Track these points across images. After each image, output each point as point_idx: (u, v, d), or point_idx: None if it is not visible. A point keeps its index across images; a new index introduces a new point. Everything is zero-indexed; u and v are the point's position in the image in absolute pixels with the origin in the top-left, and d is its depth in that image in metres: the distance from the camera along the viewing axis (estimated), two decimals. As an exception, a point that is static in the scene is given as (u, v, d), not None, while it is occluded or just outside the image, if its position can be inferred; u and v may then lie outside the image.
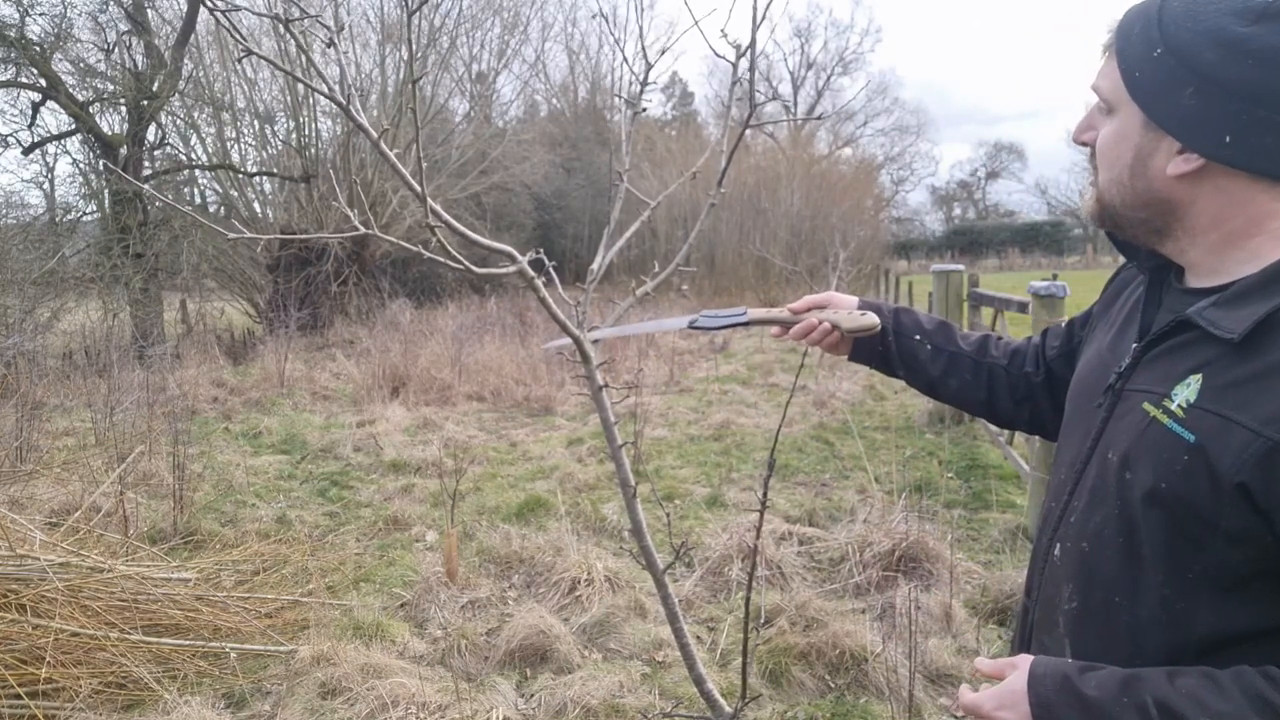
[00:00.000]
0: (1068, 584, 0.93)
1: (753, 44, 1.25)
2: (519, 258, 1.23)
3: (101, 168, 12.73)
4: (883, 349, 1.27)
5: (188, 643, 3.12)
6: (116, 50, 13.24)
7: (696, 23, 1.31)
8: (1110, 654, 0.87)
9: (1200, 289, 0.89)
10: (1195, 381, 0.82)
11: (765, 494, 1.55)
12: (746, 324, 1.31)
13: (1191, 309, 0.85)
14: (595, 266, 1.36)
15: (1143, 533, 0.84)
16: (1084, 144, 0.94)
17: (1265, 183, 0.81)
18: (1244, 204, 0.83)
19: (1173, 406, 0.82)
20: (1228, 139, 0.79)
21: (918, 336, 1.25)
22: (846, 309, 1.27)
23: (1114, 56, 0.87)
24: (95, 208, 13.33)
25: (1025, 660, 0.88)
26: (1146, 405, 0.86)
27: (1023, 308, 5.03)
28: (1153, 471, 0.83)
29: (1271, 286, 0.80)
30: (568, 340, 1.31)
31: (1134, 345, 0.93)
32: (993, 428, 6.01)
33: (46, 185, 13.88)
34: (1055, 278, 5.37)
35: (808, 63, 42.73)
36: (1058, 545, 0.96)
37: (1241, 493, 0.75)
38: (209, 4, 1.01)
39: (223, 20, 1.01)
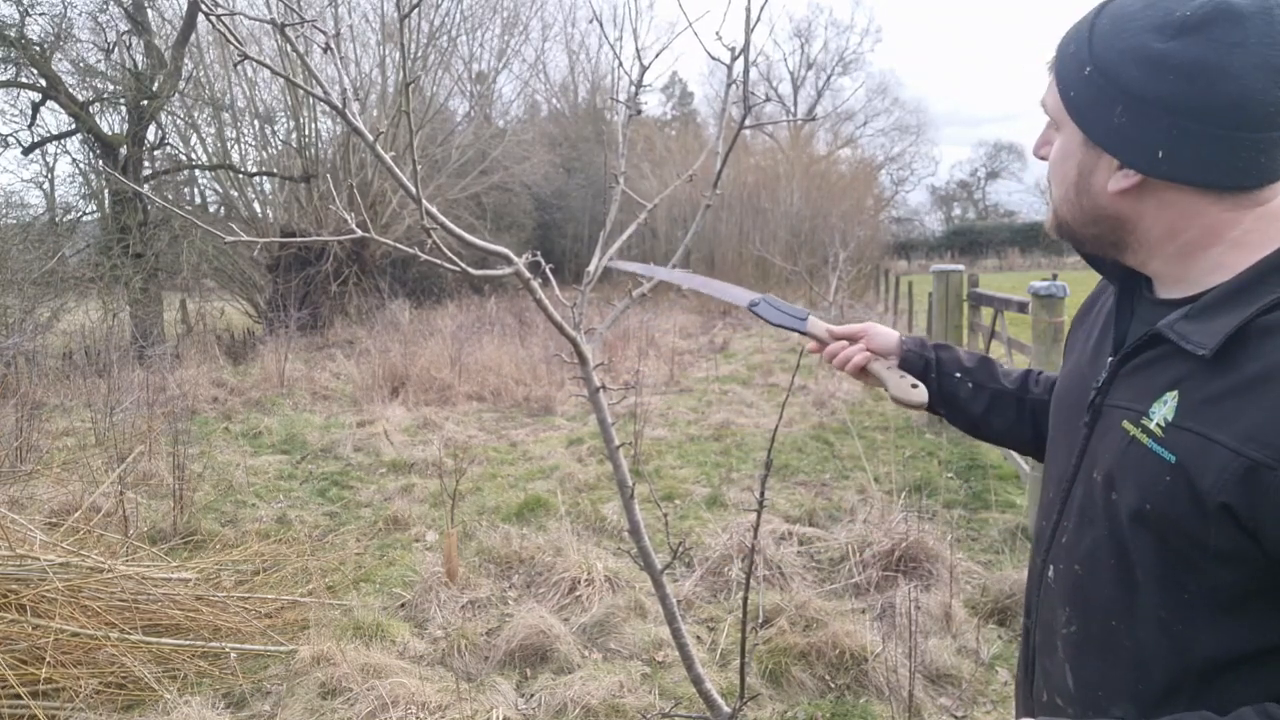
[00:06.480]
0: (1064, 608, 0.92)
1: (746, 46, 1.26)
2: (515, 259, 1.23)
3: (100, 169, 12.74)
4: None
5: (188, 643, 3.12)
6: (116, 50, 13.25)
7: (690, 24, 1.31)
8: (1111, 679, 0.86)
9: (1170, 300, 0.88)
10: (1172, 399, 0.81)
11: (763, 494, 1.55)
12: (803, 333, 1.27)
13: (1162, 323, 0.84)
14: (591, 268, 1.36)
15: (1134, 554, 0.83)
16: (1043, 158, 0.96)
17: (1211, 194, 0.81)
18: (1193, 216, 0.83)
19: (1151, 425, 0.82)
20: (1160, 154, 0.79)
21: (958, 374, 1.22)
22: (885, 342, 1.24)
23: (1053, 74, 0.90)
24: (95, 208, 13.35)
25: None
26: (1126, 424, 0.85)
27: (1022, 308, 5.03)
28: (1137, 492, 0.82)
29: (1239, 298, 0.79)
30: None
31: (1109, 359, 0.92)
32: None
33: (46, 185, 13.89)
34: (1055, 278, 5.38)
35: (807, 63, 42.74)
36: (1051, 568, 0.95)
37: (1226, 512, 0.74)
38: (206, 8, 1.01)
39: (220, 26, 1.02)
